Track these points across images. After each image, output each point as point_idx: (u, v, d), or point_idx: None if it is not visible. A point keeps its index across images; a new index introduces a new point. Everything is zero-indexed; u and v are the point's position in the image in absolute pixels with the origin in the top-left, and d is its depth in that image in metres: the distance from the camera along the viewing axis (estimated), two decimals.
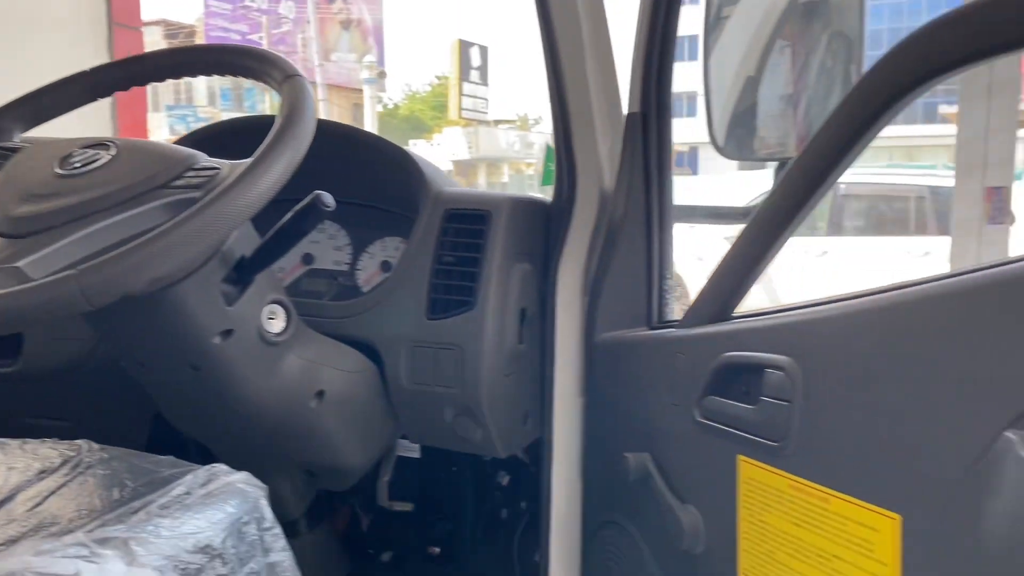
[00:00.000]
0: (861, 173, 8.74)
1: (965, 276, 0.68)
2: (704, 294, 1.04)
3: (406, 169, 1.25)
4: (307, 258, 1.36)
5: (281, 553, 0.80)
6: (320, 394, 1.12)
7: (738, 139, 1.31)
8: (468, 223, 1.18)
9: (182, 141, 1.30)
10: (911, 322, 0.71)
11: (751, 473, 0.89)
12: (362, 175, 1.32)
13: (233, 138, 1.27)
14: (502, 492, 1.51)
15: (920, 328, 0.70)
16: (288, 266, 1.36)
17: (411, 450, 1.40)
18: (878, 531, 0.73)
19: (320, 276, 1.35)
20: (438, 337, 1.16)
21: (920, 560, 0.69)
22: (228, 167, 0.90)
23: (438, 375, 1.17)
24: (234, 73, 1.03)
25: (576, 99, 1.21)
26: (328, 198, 0.94)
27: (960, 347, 0.66)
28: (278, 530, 0.81)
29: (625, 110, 1.23)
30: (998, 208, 2.26)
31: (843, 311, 0.79)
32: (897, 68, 0.70)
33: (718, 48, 1.31)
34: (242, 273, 0.99)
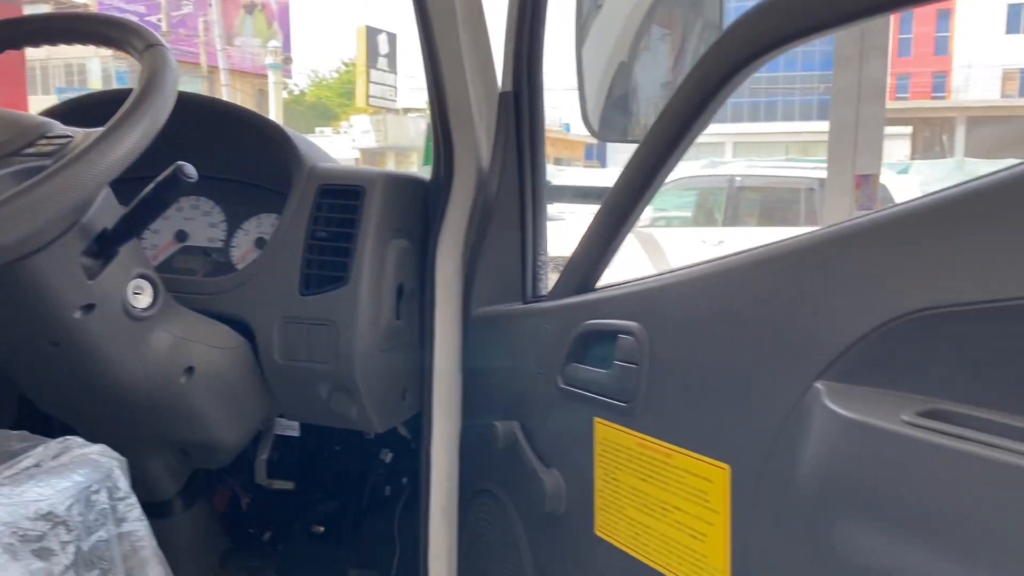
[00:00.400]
0: (757, 166, 9.09)
1: (784, 242, 0.73)
2: (569, 268, 1.08)
3: (280, 144, 1.25)
4: (180, 235, 1.34)
5: (136, 523, 0.80)
6: (190, 370, 1.11)
7: (612, 122, 1.36)
8: (342, 198, 1.19)
9: (47, 113, 1.26)
10: (738, 286, 0.76)
11: (606, 434, 0.93)
12: (236, 150, 1.30)
13: (100, 110, 1.23)
14: (385, 469, 1.52)
15: (745, 291, 0.75)
16: (161, 243, 1.33)
17: (290, 428, 1.39)
18: (712, 481, 0.78)
19: (194, 253, 1.33)
20: (311, 313, 1.17)
21: (746, 507, 0.74)
22: (82, 135, 0.89)
23: (312, 351, 1.17)
24: (94, 42, 1.01)
25: (452, 78, 1.23)
26: (190, 169, 0.93)
27: (778, 307, 0.72)
28: (133, 500, 0.81)
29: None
30: (867, 195, 2.40)
31: (683, 278, 0.84)
32: (723, 53, 0.75)
33: (592, 34, 1.35)
34: (104, 246, 0.97)
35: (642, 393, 0.87)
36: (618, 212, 0.98)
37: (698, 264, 0.84)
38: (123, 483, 0.81)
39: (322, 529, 1.55)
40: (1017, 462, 0.49)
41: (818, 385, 0.66)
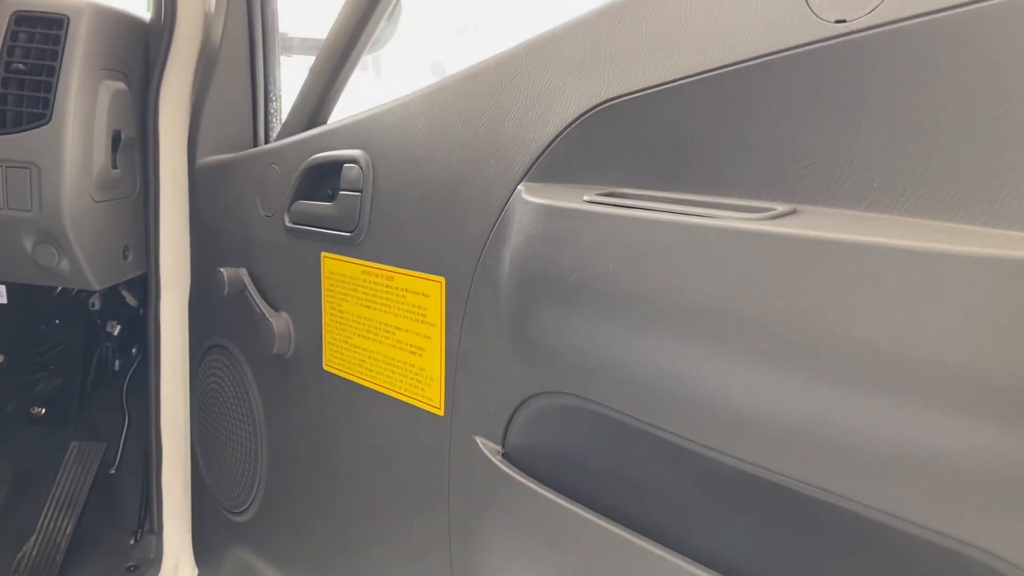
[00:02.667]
0: None
1: (485, 60, 0.74)
2: (296, 107, 1.05)
3: None
4: None
5: None
6: None
7: None
8: (42, 27, 1.06)
9: None
10: (449, 103, 0.77)
11: (332, 267, 0.92)
12: None
13: None
14: (113, 342, 1.42)
15: (456, 108, 0.76)
16: None
17: None
18: (429, 296, 0.80)
19: None
20: (7, 153, 1.04)
21: (458, 314, 0.77)
22: None
23: (11, 197, 1.05)
24: None
25: None
26: None
27: (483, 121, 0.73)
28: None
29: None
30: None
31: (403, 102, 0.83)
32: None
33: None
34: None
35: (365, 220, 0.86)
36: (344, 43, 0.96)
37: (416, 90, 0.84)
38: None
39: (43, 411, 1.44)
40: (676, 219, 0.54)
41: (520, 187, 0.69)
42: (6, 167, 1.04)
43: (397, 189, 0.83)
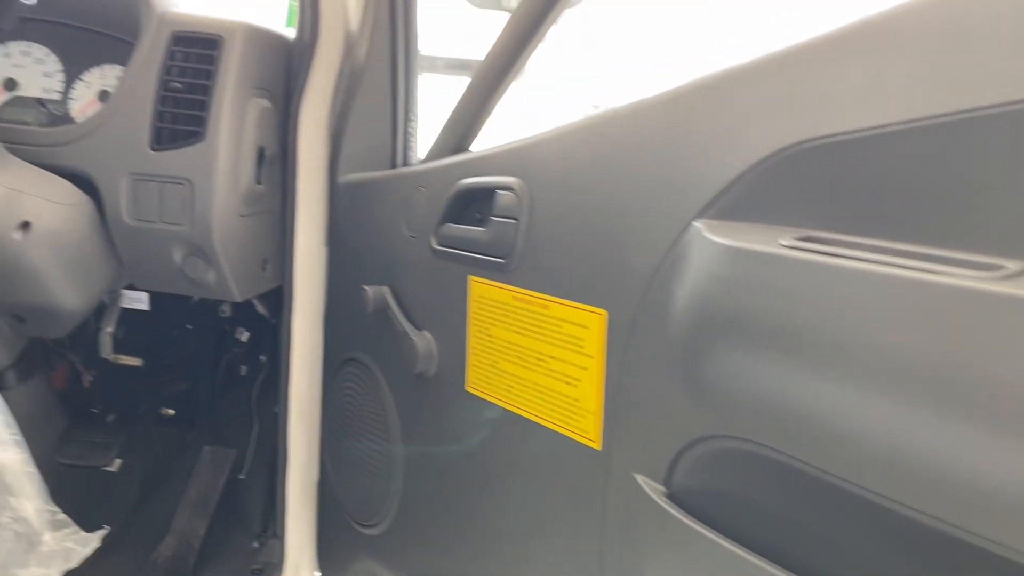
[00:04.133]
0: None
1: (661, 92, 0.73)
2: (444, 132, 1.06)
3: None
4: (9, 83, 1.20)
5: None
6: (25, 226, 1.01)
7: None
8: (197, 47, 1.10)
9: None
10: (618, 134, 0.77)
11: (480, 291, 0.92)
12: None
13: None
14: (241, 348, 1.47)
15: (625, 138, 0.76)
16: None
17: (138, 301, 1.31)
18: (588, 328, 0.79)
19: (26, 104, 1.20)
20: (164, 169, 1.08)
21: (620, 349, 0.76)
22: None
23: (164, 211, 1.09)
24: None
25: None
26: None
27: (656, 151, 0.73)
28: None
29: None
30: None
31: (563, 132, 0.83)
32: None
33: None
34: None
35: (519, 247, 0.87)
36: (494, 74, 0.97)
37: (576, 120, 0.83)
38: None
39: (172, 412, 1.49)
40: (892, 272, 0.52)
41: (697, 224, 0.68)
42: (162, 183, 1.09)
43: (555, 218, 0.83)
